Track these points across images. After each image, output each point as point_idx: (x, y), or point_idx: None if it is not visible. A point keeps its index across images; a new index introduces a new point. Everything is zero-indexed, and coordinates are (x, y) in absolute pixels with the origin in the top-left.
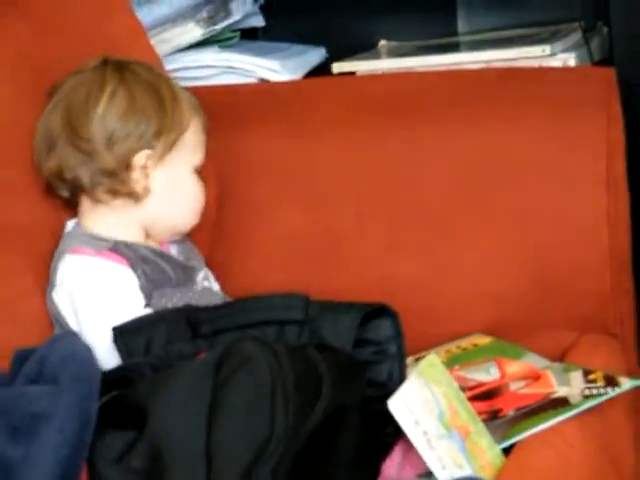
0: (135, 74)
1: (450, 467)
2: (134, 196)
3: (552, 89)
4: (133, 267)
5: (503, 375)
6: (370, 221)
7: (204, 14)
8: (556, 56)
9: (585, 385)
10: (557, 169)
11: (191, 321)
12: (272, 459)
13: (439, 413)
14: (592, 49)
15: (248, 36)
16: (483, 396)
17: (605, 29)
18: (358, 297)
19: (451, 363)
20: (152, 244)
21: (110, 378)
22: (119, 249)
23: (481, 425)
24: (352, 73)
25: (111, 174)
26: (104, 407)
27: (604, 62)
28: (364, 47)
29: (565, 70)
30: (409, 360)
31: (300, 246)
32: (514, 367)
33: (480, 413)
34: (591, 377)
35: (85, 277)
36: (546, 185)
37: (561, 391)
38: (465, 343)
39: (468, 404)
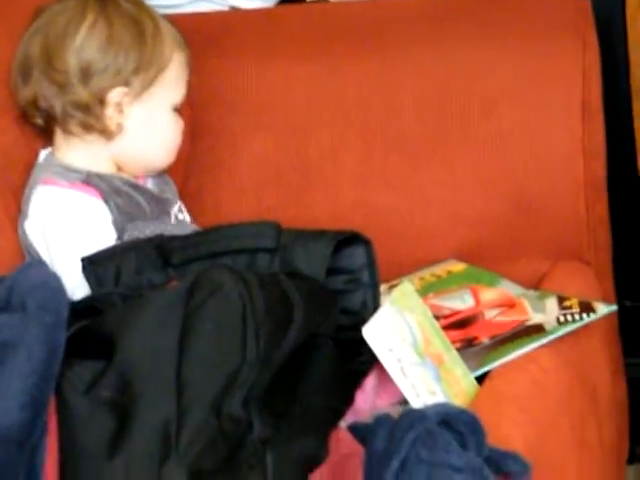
0: (118, 6)
1: (424, 394)
2: (106, 133)
3: (529, 17)
4: (106, 200)
5: (478, 303)
6: (344, 149)
7: None
8: None
9: (560, 312)
10: (533, 96)
11: (161, 250)
12: (243, 387)
13: (412, 341)
14: None
15: None
16: (458, 324)
17: None
18: (332, 225)
19: (425, 291)
20: (126, 176)
21: (79, 308)
22: (92, 181)
23: (455, 353)
24: (325, 0)
25: (84, 108)
26: (73, 337)
27: None
28: None
29: None
30: (383, 288)
31: (273, 175)
32: (489, 294)
33: (455, 341)
34: (566, 304)
35: (57, 209)
36: (522, 112)
37: (536, 318)
38: (439, 270)
39: (442, 332)
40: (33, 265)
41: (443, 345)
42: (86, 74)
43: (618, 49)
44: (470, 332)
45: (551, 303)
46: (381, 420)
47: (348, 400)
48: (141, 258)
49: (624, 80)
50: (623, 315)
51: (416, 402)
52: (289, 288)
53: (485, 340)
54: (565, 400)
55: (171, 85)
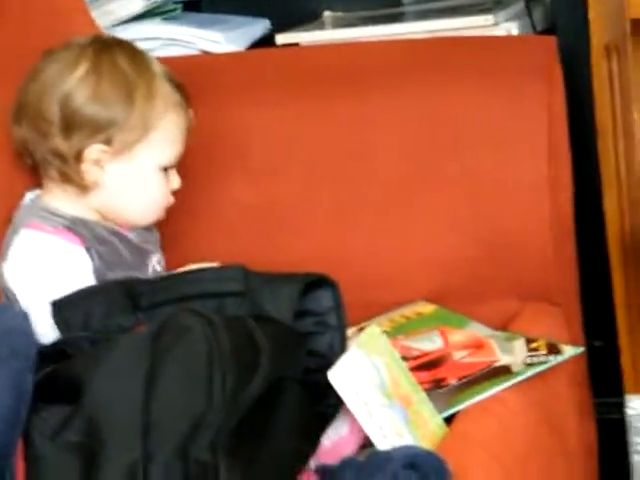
0: (113, 60)
1: (391, 436)
2: (82, 187)
3: (495, 58)
4: (88, 248)
5: (446, 344)
6: (317, 191)
7: None
8: (499, 25)
9: (528, 353)
10: (500, 137)
11: (130, 294)
12: (209, 431)
13: (380, 383)
14: (535, 19)
15: (191, 8)
16: (426, 365)
17: None
18: (304, 267)
19: (395, 332)
20: (110, 224)
21: (48, 352)
22: (76, 228)
23: (423, 395)
24: (296, 44)
25: (62, 158)
26: (40, 382)
27: (547, 32)
28: (308, 18)
29: (507, 39)
30: (352, 330)
31: (246, 217)
32: (457, 336)
33: (423, 383)
34: (533, 345)
35: (38, 254)
36: (490, 152)
37: (504, 359)
38: (409, 311)
39: (410, 374)
40: (2, 310)
41: (411, 387)
42: (67, 126)
43: (583, 88)
44: (438, 373)
45: (519, 345)
46: (348, 463)
47: (315, 443)
48: (110, 302)
49: (589, 119)
50: (593, 355)
51: (383, 444)
52: (256, 331)
53: (453, 381)
54: (533, 442)
55: (159, 146)
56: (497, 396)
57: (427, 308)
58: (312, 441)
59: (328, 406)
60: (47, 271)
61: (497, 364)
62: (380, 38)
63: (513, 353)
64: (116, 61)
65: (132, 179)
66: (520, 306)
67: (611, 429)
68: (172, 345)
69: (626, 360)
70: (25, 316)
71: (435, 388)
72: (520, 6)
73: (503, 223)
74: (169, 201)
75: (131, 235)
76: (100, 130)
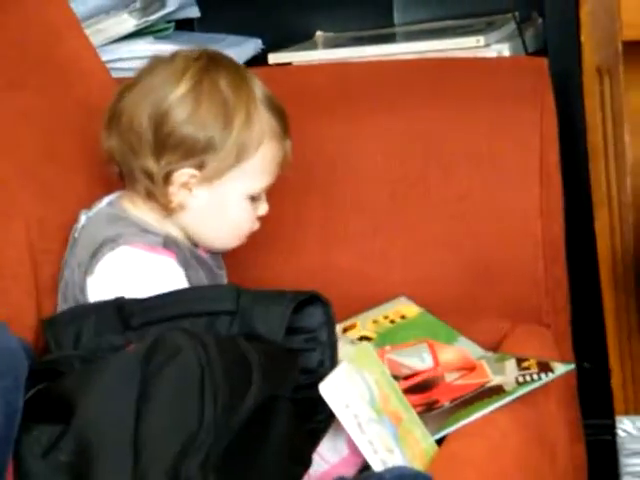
0: (215, 83)
1: (381, 451)
2: (166, 208)
3: (486, 79)
4: (183, 268)
5: (437, 363)
6: (307, 210)
7: (137, 5)
8: (490, 47)
9: (519, 372)
10: (491, 159)
11: (121, 313)
12: (201, 452)
13: (370, 399)
14: (526, 40)
15: (183, 27)
16: (419, 388)
17: (539, 20)
18: (294, 285)
19: (381, 340)
20: (189, 244)
21: (38, 370)
22: (169, 246)
23: (414, 414)
24: (288, 64)
25: (151, 178)
26: (31, 400)
27: (538, 53)
28: (300, 38)
29: (498, 60)
30: (337, 327)
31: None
32: (448, 354)
33: (416, 405)
34: (525, 364)
35: (138, 271)
36: (480, 175)
37: (496, 380)
38: (392, 312)
39: (400, 392)
40: None
41: (402, 405)
42: (160, 146)
43: (575, 109)
44: (431, 396)
45: (510, 365)
46: None
47: (306, 463)
48: (101, 320)
49: (581, 140)
50: (582, 377)
51: (373, 459)
52: (248, 351)
53: (446, 403)
54: (523, 462)
55: (250, 176)
56: (487, 417)
57: (411, 310)
58: (303, 461)
59: (319, 422)
60: (148, 288)
61: (490, 385)
62: (371, 58)
63: (504, 373)
64: (218, 82)
65: (217, 205)
66: (511, 327)
67: (602, 451)
68: (163, 365)
69: (616, 382)
70: (14, 336)
71: (428, 410)
72: (511, 27)
73: (494, 245)
74: (254, 227)
75: (207, 258)
76: (193, 154)
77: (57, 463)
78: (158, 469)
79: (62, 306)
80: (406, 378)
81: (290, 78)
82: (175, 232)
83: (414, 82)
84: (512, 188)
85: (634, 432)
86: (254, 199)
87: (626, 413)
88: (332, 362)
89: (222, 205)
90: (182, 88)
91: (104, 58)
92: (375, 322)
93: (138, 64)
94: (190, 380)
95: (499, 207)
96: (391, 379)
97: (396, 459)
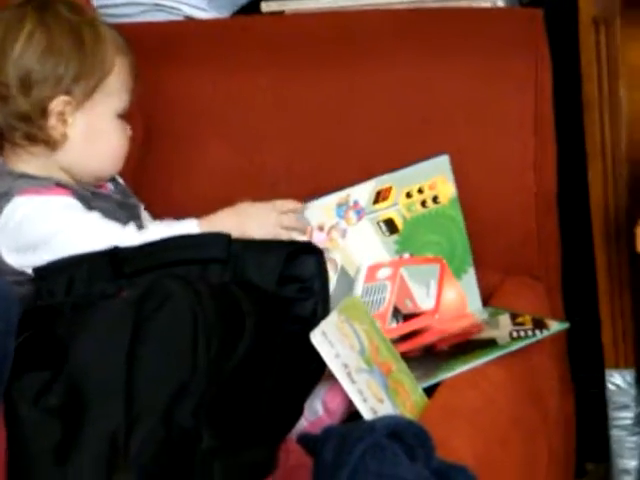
0: (57, 15)
1: (371, 400)
2: (50, 143)
3: (481, 30)
4: (89, 206)
5: (436, 307)
6: (299, 158)
7: None
8: None
9: (513, 327)
10: (485, 110)
11: (113, 261)
12: (193, 398)
13: (360, 349)
14: None
15: None
16: (414, 334)
17: None
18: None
19: (407, 230)
20: (86, 185)
21: (30, 317)
22: (63, 185)
23: (403, 365)
24: (281, 12)
25: (27, 119)
26: (22, 346)
27: (534, 3)
28: None
29: (494, 11)
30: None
31: (228, 183)
32: (450, 294)
33: (412, 351)
34: (519, 320)
35: (41, 216)
36: (474, 125)
37: (490, 333)
38: (427, 186)
39: (390, 343)
40: None
41: (391, 355)
42: (26, 84)
43: (570, 61)
44: (426, 340)
45: (504, 320)
46: (330, 432)
47: (298, 411)
48: (93, 268)
49: (575, 92)
50: (572, 331)
51: (363, 407)
52: (240, 298)
53: (444, 347)
54: (515, 415)
55: (114, 92)
56: (480, 369)
57: (446, 190)
58: (295, 409)
59: (311, 371)
60: (54, 229)
61: (483, 336)
62: (365, 7)
63: (498, 327)
64: (59, 14)
65: (95, 128)
66: (502, 279)
67: (591, 404)
68: (156, 311)
69: (606, 335)
70: (3, 280)
71: (424, 355)
72: None
73: (487, 197)
74: (127, 150)
75: (109, 192)
76: (60, 83)
77: (48, 408)
78: (151, 415)
79: None
80: (405, 319)
81: (283, 26)
82: (63, 177)
83: (409, 31)
84: (506, 139)
85: (623, 385)
86: (121, 118)
87: (616, 367)
88: (325, 312)
89: (99, 128)
90: (28, 27)
91: (97, 3)
92: (409, 196)
93: (130, 10)
94: (183, 326)
95: (492, 158)
96: (380, 330)
97: (386, 408)
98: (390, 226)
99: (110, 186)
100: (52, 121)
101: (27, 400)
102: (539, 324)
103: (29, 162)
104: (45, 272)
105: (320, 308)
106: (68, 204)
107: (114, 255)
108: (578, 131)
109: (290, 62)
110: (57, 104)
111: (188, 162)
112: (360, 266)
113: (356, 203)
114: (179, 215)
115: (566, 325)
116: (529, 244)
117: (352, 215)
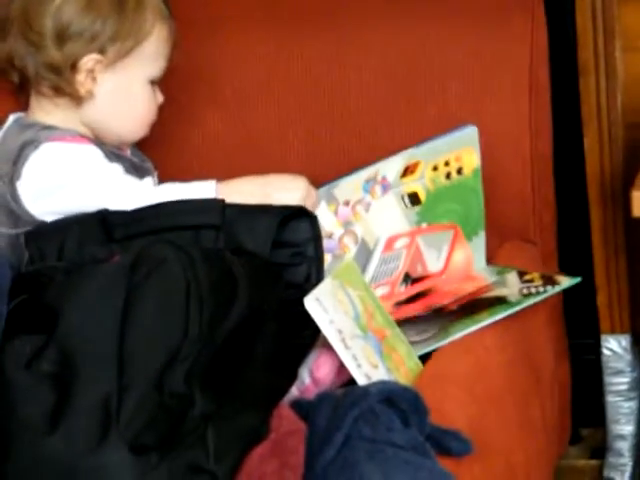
0: None
1: (365, 366)
2: (75, 98)
3: None
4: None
5: (445, 266)
6: (291, 125)
7: None
8: None
9: (522, 285)
10: (481, 74)
11: (105, 225)
12: (185, 363)
13: (355, 315)
14: None
15: None
16: (420, 295)
17: None
18: None
19: (429, 202)
20: (107, 145)
21: (21, 281)
22: (86, 137)
23: (397, 330)
24: None
25: (56, 70)
26: (14, 311)
27: None
28: None
29: None
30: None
31: (220, 150)
32: (459, 254)
33: (423, 309)
34: (527, 277)
35: (68, 162)
36: (470, 90)
37: (499, 291)
38: (453, 158)
39: (384, 309)
40: None
41: (386, 321)
42: (61, 37)
43: (566, 24)
44: (435, 300)
45: (512, 277)
46: (324, 398)
47: (291, 377)
48: (84, 232)
49: (571, 55)
50: (568, 296)
51: (357, 373)
52: (234, 264)
53: (453, 307)
54: (509, 380)
55: (149, 58)
56: (474, 334)
57: (471, 160)
58: (288, 375)
59: (305, 337)
60: (80, 177)
61: (492, 294)
62: None
63: (507, 285)
64: None
65: (123, 91)
66: (498, 243)
67: (586, 370)
68: (148, 276)
69: (602, 301)
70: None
71: (435, 315)
72: None
73: (483, 162)
74: (154, 117)
75: (127, 154)
76: (94, 40)
77: (40, 373)
78: (143, 380)
79: None
80: (413, 282)
81: None
82: (86, 132)
83: None
84: (502, 104)
85: (619, 351)
86: (153, 85)
87: (611, 332)
88: (318, 277)
89: (127, 90)
90: None
91: None
92: (435, 169)
93: None
94: (175, 291)
95: (488, 123)
96: (375, 296)
97: (380, 374)
98: (413, 199)
99: (128, 150)
100: (81, 77)
101: (18, 365)
102: (549, 280)
103: (54, 114)
104: (36, 235)
105: (314, 273)
106: (93, 153)
107: (104, 219)
108: (574, 95)
109: (283, 28)
110: (88, 61)
111: (180, 128)
112: (379, 238)
113: (384, 178)
114: (172, 178)
115: (577, 280)
116: (525, 209)
117: (378, 189)
